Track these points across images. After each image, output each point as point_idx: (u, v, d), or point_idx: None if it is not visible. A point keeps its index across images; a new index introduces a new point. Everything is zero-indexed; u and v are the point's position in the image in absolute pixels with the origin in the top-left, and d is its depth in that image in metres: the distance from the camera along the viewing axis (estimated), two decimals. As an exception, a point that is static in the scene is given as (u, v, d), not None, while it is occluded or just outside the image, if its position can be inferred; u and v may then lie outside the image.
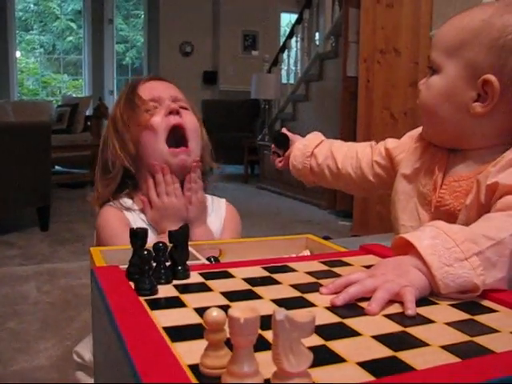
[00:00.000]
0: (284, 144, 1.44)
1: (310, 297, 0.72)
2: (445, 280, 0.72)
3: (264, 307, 0.65)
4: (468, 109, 1.00)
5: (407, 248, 0.79)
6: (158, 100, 1.35)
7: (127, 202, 1.34)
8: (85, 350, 1.33)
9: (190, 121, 1.36)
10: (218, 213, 1.42)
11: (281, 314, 0.44)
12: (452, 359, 0.54)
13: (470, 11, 1.03)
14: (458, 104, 1.01)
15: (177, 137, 1.34)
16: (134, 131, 1.32)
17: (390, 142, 1.27)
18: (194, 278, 0.79)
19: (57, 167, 6.98)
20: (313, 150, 1.37)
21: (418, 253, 0.75)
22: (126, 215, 1.32)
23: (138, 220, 1.32)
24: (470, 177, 1.01)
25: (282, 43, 8.27)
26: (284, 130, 1.47)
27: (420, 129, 1.17)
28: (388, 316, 0.66)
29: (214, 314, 0.49)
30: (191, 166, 1.32)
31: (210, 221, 1.38)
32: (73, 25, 10.90)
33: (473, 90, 0.99)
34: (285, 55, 7.87)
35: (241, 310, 0.45)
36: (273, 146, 1.46)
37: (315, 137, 1.42)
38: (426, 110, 1.07)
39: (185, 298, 0.71)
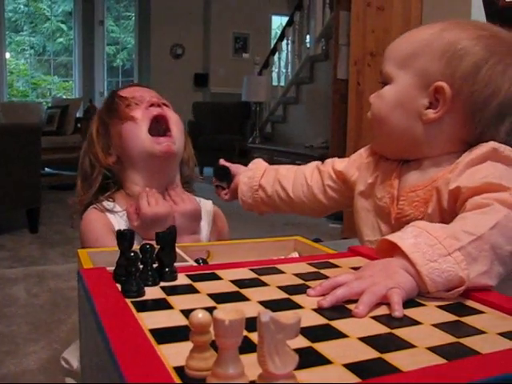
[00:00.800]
0: (226, 177, 1.40)
1: (297, 299, 0.72)
2: (431, 276, 0.73)
3: (251, 309, 0.65)
4: (420, 116, 1.03)
5: (391, 250, 0.79)
6: (139, 98, 1.37)
7: (109, 204, 1.34)
8: (73, 358, 1.33)
9: (172, 114, 1.38)
10: (205, 215, 1.42)
11: (266, 315, 0.44)
12: (438, 360, 0.54)
13: (420, 28, 1.08)
14: (411, 111, 1.04)
15: (159, 128, 1.35)
16: (116, 127, 1.34)
17: (338, 163, 1.27)
18: (182, 279, 0.79)
19: (47, 169, 6.96)
20: (259, 181, 1.35)
21: (403, 252, 0.75)
22: (109, 218, 1.32)
23: (121, 222, 1.32)
24: (426, 185, 1.02)
25: (272, 46, 8.29)
26: (223, 162, 1.43)
27: (368, 146, 1.20)
28: (375, 318, 0.66)
29: (200, 315, 0.49)
30: (176, 154, 1.35)
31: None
32: (63, 26, 10.88)
33: (425, 97, 1.02)
34: (276, 58, 7.88)
35: (226, 312, 0.45)
36: (214, 179, 1.42)
37: (258, 166, 1.39)
38: (379, 120, 1.09)
39: (172, 299, 0.70)
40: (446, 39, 1.01)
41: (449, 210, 0.94)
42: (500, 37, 1.02)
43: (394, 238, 0.79)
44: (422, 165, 1.05)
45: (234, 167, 1.40)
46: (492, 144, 0.96)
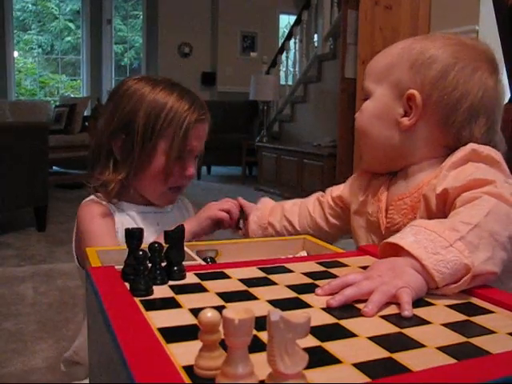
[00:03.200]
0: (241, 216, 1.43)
1: (306, 298, 0.72)
2: (437, 267, 0.73)
3: (260, 308, 0.65)
4: (398, 124, 1.08)
5: (394, 253, 0.80)
6: (190, 151, 1.35)
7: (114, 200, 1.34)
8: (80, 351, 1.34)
9: (193, 176, 1.38)
10: (186, 212, 1.48)
11: (276, 314, 0.44)
12: (448, 360, 0.54)
13: (394, 44, 1.15)
14: (389, 121, 1.10)
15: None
16: (151, 148, 1.31)
17: (336, 190, 1.33)
18: (190, 278, 0.79)
19: (54, 168, 6.98)
20: (268, 220, 1.38)
21: (406, 251, 0.76)
22: (112, 212, 1.33)
23: (124, 218, 1.33)
24: (413, 193, 1.06)
25: (280, 45, 8.27)
26: (241, 201, 1.44)
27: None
28: (384, 317, 0.66)
29: (209, 314, 0.49)
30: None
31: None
32: (71, 25, 10.89)
33: (399, 106, 1.08)
34: (283, 57, 7.87)
35: (235, 311, 0.45)
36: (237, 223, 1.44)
37: (265, 206, 1.42)
38: (361, 132, 1.16)
39: (180, 298, 0.70)
40: (415, 50, 1.08)
41: (439, 214, 0.96)
42: (466, 44, 1.09)
43: (394, 239, 0.80)
44: (407, 173, 1.10)
45: (248, 207, 1.41)
46: (471, 145, 1.00)
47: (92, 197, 1.35)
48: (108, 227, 1.30)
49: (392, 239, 0.80)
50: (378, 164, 1.17)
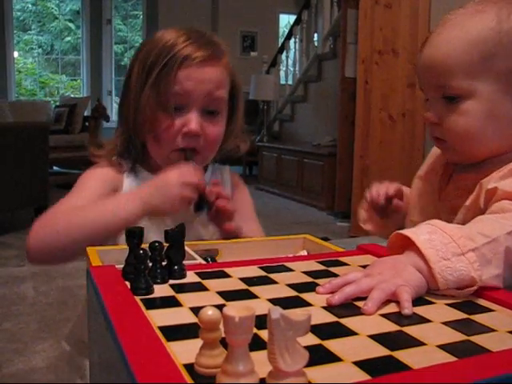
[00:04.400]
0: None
1: (306, 296, 0.72)
2: (443, 273, 0.72)
3: (260, 306, 0.65)
4: None
5: (404, 245, 0.79)
6: (189, 97, 1.13)
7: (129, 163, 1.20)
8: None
9: (210, 137, 1.17)
10: (224, 184, 1.29)
11: (276, 312, 0.44)
12: (448, 358, 0.54)
13: (463, 26, 0.98)
14: (504, 119, 0.98)
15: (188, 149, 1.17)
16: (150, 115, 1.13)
17: None
18: (191, 277, 0.79)
19: (55, 168, 6.98)
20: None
21: (416, 247, 0.75)
22: (123, 178, 1.19)
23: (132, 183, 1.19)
24: (475, 178, 0.98)
25: (280, 44, 8.28)
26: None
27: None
28: (384, 315, 0.66)
29: (209, 312, 0.49)
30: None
31: None
32: (71, 25, 10.90)
33: None
34: (283, 56, 7.88)
35: (236, 309, 0.45)
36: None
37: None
38: (471, 138, 1.00)
39: (181, 297, 0.70)
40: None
41: (483, 209, 0.92)
42: None
43: (408, 232, 0.78)
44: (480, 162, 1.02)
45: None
46: None
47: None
48: (96, 189, 1.15)
49: (405, 232, 0.78)
50: (474, 159, 1.04)
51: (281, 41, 8.71)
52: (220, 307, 0.48)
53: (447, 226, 0.77)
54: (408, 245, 0.77)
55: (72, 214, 1.08)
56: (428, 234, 0.76)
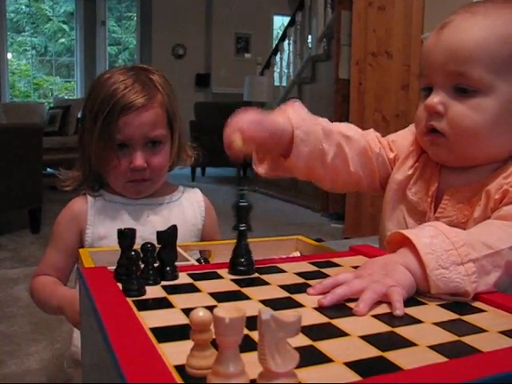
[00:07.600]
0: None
1: (298, 297, 0.72)
2: (437, 282, 0.72)
3: (252, 308, 0.65)
4: None
5: (403, 244, 0.78)
6: (130, 140, 1.27)
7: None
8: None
9: (155, 167, 1.30)
10: (195, 206, 1.42)
11: (266, 313, 0.44)
12: (440, 359, 0.54)
13: (499, 15, 0.92)
14: None
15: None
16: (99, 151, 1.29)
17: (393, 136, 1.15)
18: (183, 278, 0.79)
19: (48, 169, 6.96)
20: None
21: (415, 250, 0.74)
22: (89, 208, 1.34)
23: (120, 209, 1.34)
24: (477, 188, 0.94)
25: (274, 46, 8.27)
26: None
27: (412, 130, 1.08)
28: (376, 316, 0.66)
29: (200, 313, 0.49)
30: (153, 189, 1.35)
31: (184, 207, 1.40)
32: (65, 27, 10.87)
33: None
34: (277, 58, 7.87)
35: (226, 310, 0.45)
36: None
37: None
38: (474, 135, 0.93)
39: (173, 298, 0.70)
40: None
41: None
42: None
43: (409, 233, 0.77)
44: (470, 168, 0.98)
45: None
46: None
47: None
48: (67, 238, 1.34)
49: (407, 232, 0.77)
50: (459, 162, 0.99)
51: (275, 42, 8.70)
52: (212, 308, 0.48)
53: (451, 232, 0.76)
54: (407, 244, 0.77)
55: (41, 293, 1.31)
56: (430, 238, 0.75)
